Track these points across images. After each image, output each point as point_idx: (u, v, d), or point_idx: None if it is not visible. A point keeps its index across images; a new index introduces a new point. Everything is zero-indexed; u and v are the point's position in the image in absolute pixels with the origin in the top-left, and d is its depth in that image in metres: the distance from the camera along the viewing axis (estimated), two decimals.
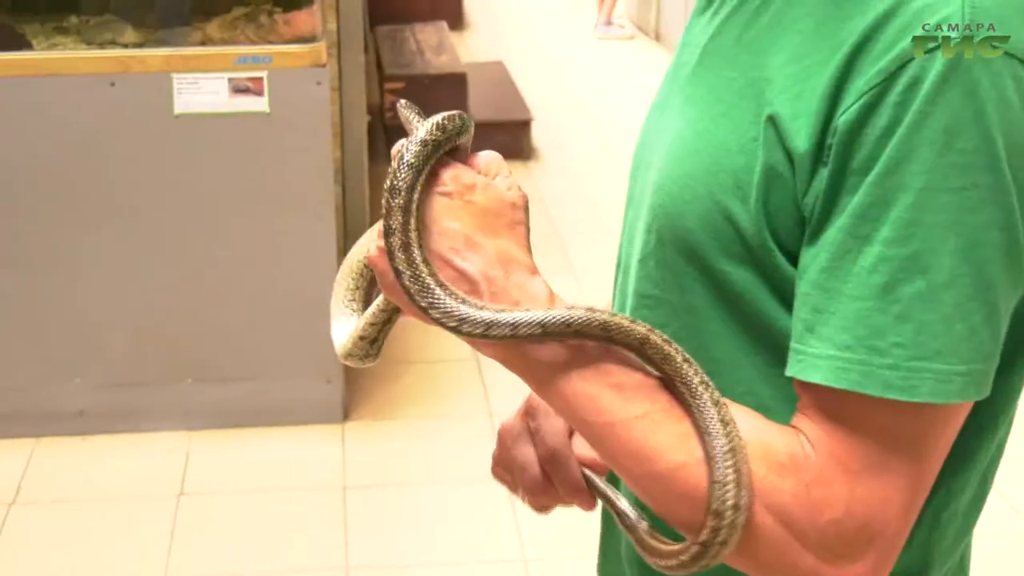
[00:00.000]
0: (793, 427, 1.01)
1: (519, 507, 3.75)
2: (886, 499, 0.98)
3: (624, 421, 1.00)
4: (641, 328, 1.00)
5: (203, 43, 3.71)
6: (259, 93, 3.64)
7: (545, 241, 5.11)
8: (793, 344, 1.01)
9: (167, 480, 3.71)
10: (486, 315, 0.99)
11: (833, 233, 0.98)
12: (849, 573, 1.00)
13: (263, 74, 3.64)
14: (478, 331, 0.99)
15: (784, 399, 1.05)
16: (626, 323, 0.99)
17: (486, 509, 3.55)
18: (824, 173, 0.98)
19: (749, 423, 1.01)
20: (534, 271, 1.04)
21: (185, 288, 3.84)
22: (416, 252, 1.01)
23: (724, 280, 1.07)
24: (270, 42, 3.71)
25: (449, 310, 1.00)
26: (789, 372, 1.01)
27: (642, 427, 1.00)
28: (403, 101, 1.11)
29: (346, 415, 4.00)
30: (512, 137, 6.31)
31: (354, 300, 1.24)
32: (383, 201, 1.02)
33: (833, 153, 0.98)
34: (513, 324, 0.99)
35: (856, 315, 0.97)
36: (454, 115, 1.05)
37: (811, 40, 1.02)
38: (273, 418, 3.92)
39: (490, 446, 1.33)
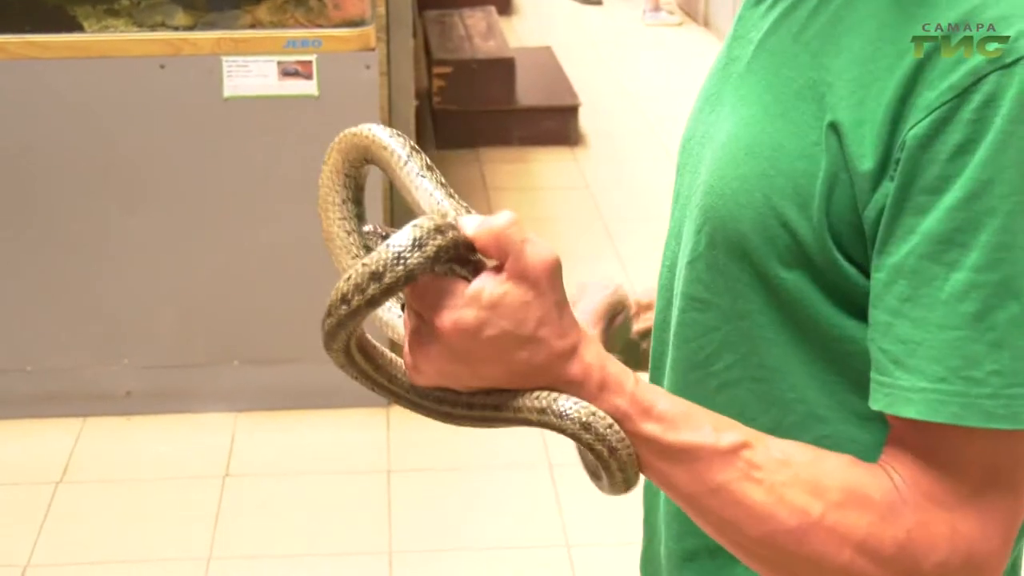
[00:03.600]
0: (883, 465, 0.98)
1: (563, 492, 3.73)
2: (987, 532, 0.95)
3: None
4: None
5: (253, 26, 3.72)
6: (308, 76, 3.65)
7: (591, 228, 5.10)
8: (877, 376, 0.97)
9: (213, 461, 3.74)
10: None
11: (913, 260, 0.94)
12: None
13: (312, 57, 3.65)
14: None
15: (836, 406, 1.03)
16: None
17: (529, 494, 3.55)
18: (889, 187, 0.95)
19: (842, 470, 0.98)
20: (572, 359, 0.99)
21: (233, 270, 3.86)
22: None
23: (778, 285, 1.04)
24: (319, 25, 3.71)
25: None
26: (876, 406, 0.97)
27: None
28: (369, 226, 1.06)
29: None
30: (559, 123, 6.31)
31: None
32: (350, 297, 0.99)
33: (900, 168, 0.94)
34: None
35: (948, 345, 0.93)
36: (445, 230, 0.96)
37: (875, 43, 0.98)
38: (319, 401, 3.94)
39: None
